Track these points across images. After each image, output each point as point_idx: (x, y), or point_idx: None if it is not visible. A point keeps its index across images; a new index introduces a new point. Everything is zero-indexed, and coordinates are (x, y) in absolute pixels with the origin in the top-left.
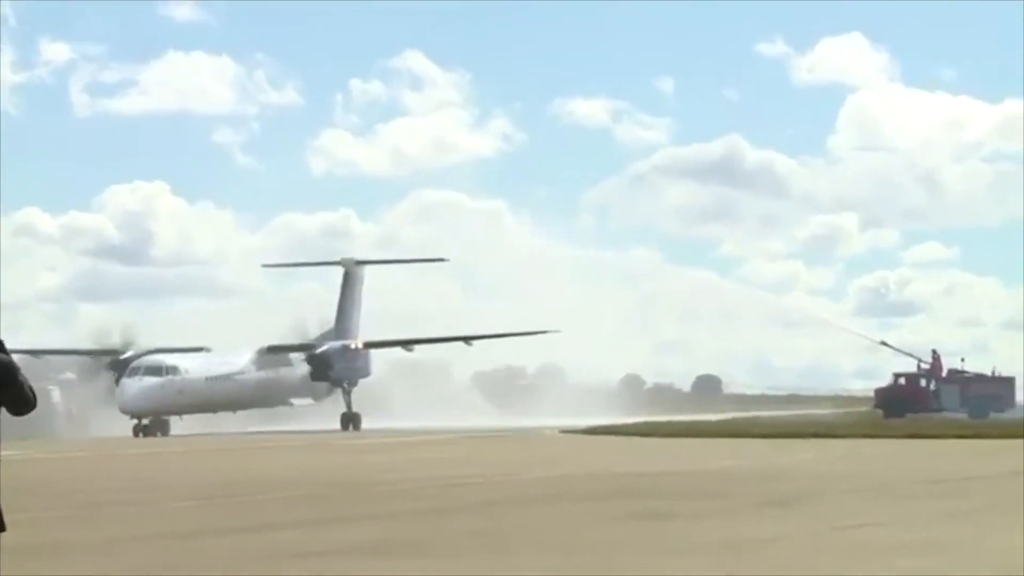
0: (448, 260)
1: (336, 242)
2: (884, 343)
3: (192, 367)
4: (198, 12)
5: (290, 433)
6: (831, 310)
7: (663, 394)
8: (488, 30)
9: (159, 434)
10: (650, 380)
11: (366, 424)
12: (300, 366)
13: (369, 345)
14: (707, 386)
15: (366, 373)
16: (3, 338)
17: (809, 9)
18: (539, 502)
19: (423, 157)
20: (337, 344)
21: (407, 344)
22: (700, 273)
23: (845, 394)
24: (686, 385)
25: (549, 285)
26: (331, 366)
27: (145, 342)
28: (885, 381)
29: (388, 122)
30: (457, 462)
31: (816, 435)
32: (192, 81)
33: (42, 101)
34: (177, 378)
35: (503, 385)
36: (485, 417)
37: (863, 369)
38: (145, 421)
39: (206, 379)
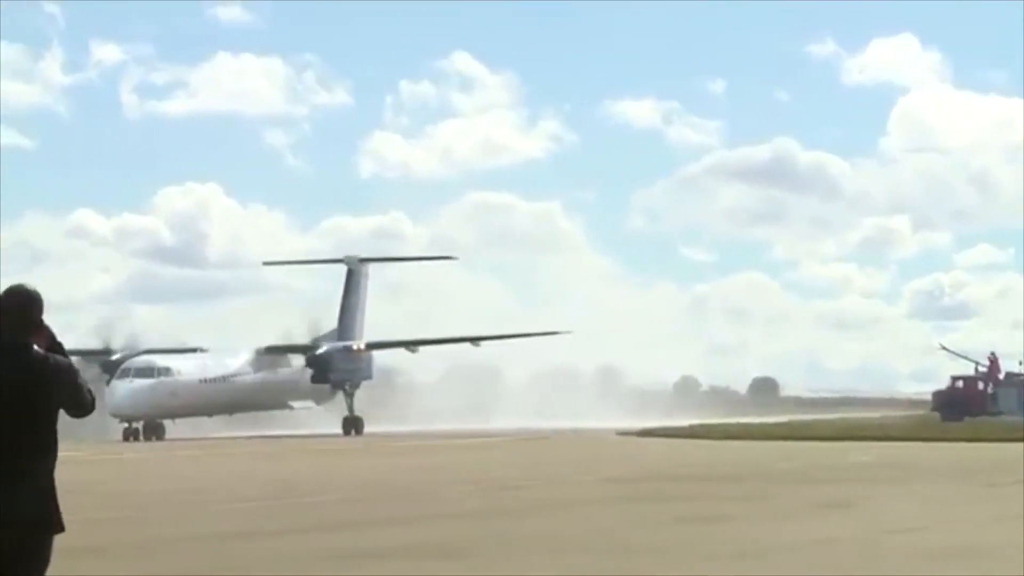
0: (457, 259)
1: (387, 244)
2: (943, 347)
3: (186, 368)
4: (245, 13)
5: (294, 437)
6: (885, 313)
7: (719, 396)
8: (536, 31)
9: (154, 438)
10: (706, 382)
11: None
12: (300, 368)
13: (371, 346)
14: (764, 388)
15: (368, 375)
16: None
17: (860, 9)
18: (593, 504)
19: (473, 159)
20: (338, 345)
21: (411, 345)
22: (752, 275)
23: (901, 397)
24: (742, 387)
25: (602, 287)
26: (331, 368)
27: (192, 341)
28: (940, 384)
29: (438, 124)
30: (510, 464)
31: (874, 438)
32: (241, 82)
33: (92, 103)
34: (169, 380)
35: (558, 387)
36: (539, 419)
37: (918, 372)
38: (136, 425)
39: (201, 381)
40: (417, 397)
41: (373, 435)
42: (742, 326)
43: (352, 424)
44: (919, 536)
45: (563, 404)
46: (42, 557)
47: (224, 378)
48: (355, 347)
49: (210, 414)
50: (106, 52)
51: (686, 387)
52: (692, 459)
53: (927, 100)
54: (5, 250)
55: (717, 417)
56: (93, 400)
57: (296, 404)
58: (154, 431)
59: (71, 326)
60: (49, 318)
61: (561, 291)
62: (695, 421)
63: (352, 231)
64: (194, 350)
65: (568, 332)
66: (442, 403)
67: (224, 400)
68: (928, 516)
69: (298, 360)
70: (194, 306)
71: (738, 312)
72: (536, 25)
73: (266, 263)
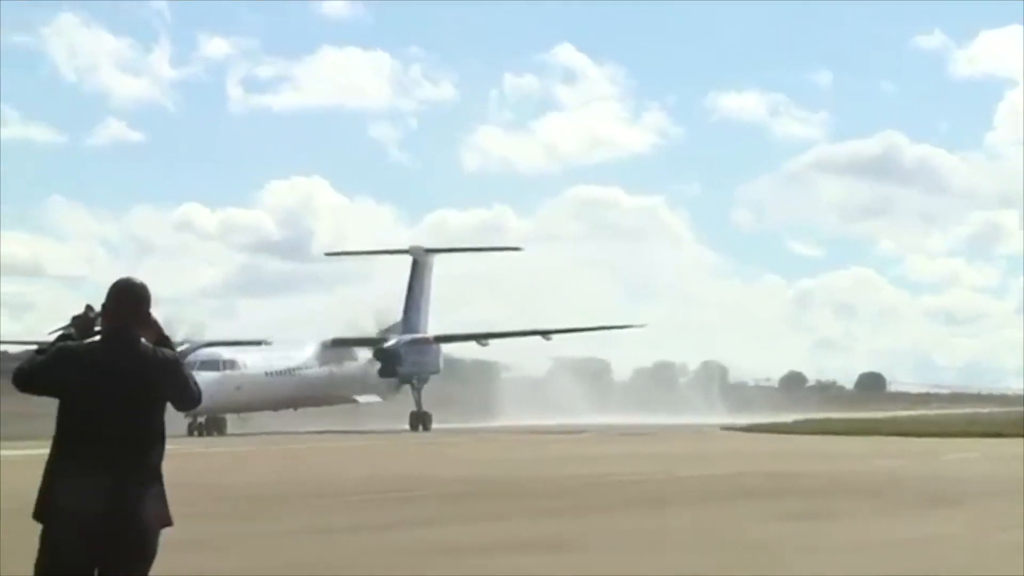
0: (522, 249)
1: (492, 237)
2: None
3: (251, 361)
4: (350, 8)
5: (361, 433)
6: (994, 308)
7: (826, 392)
8: (640, 23)
9: (215, 433)
10: (812, 378)
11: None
12: (365, 361)
13: (440, 339)
14: (871, 384)
15: (436, 368)
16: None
17: (969, 1)
18: (700, 500)
19: (577, 152)
20: (406, 338)
21: (481, 338)
22: (859, 270)
23: (1010, 393)
24: (849, 383)
25: (706, 281)
26: (400, 361)
27: (266, 334)
28: None
29: (541, 117)
30: (617, 459)
31: (983, 434)
32: (346, 76)
33: (199, 97)
34: (235, 373)
35: (664, 382)
36: (645, 414)
37: None
38: (201, 419)
39: (266, 374)
40: (520, 393)
41: (443, 430)
42: (848, 321)
43: (419, 419)
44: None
45: (666, 399)
46: (150, 551)
47: (289, 371)
48: (424, 339)
49: (275, 408)
50: (213, 46)
51: (792, 382)
52: (799, 455)
53: None
54: (115, 243)
55: (823, 412)
56: (200, 393)
57: (361, 398)
58: (216, 426)
59: (180, 320)
60: (156, 311)
61: (665, 285)
62: (800, 417)
63: (456, 224)
64: (258, 342)
65: (643, 326)
66: (546, 398)
67: (289, 394)
68: None
69: (364, 353)
70: (299, 300)
71: (844, 307)
72: (640, 17)
73: (328, 254)
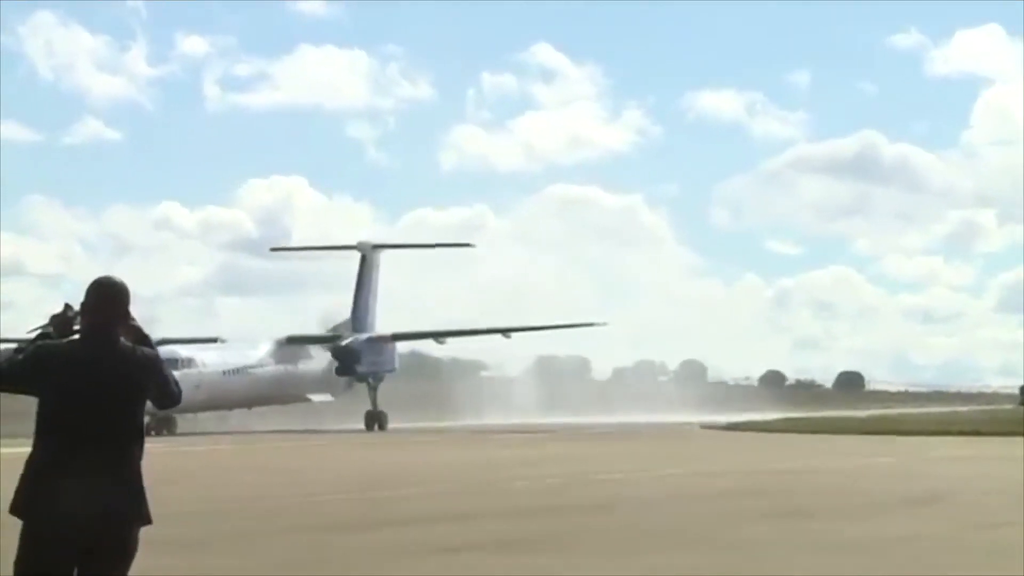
0: (475, 246)
1: (471, 236)
2: None
3: (208, 360)
4: (327, 7)
5: (318, 433)
6: (972, 307)
7: (805, 391)
8: (618, 22)
9: (165, 432)
10: (791, 376)
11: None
12: (320, 359)
13: (397, 337)
14: (850, 383)
15: (392, 367)
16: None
17: (945, 0)
18: (679, 499)
19: (555, 151)
20: (363, 336)
21: (438, 336)
22: (837, 269)
23: (988, 391)
24: (828, 382)
25: (685, 280)
26: (359, 359)
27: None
28: None
29: (519, 116)
30: (596, 458)
31: (961, 433)
32: (324, 75)
33: (176, 95)
34: (193, 371)
35: (644, 381)
36: (623, 413)
37: (1005, 366)
38: (147, 418)
39: (223, 372)
40: (499, 391)
41: (398, 431)
42: (827, 320)
43: (375, 419)
44: (1011, 532)
45: (645, 398)
46: (128, 549)
47: (246, 369)
48: (381, 337)
49: (232, 407)
50: (190, 44)
51: (771, 381)
52: (778, 453)
53: (1012, 92)
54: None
55: (802, 411)
56: (180, 392)
57: (315, 397)
58: (166, 425)
59: (159, 318)
60: (136, 310)
61: (644, 284)
62: (780, 415)
63: (435, 223)
64: (212, 340)
65: (604, 324)
66: (523, 397)
67: (245, 393)
68: (1018, 512)
69: (317, 351)
70: (279, 299)
71: (823, 306)
72: (618, 16)
73: (273, 249)
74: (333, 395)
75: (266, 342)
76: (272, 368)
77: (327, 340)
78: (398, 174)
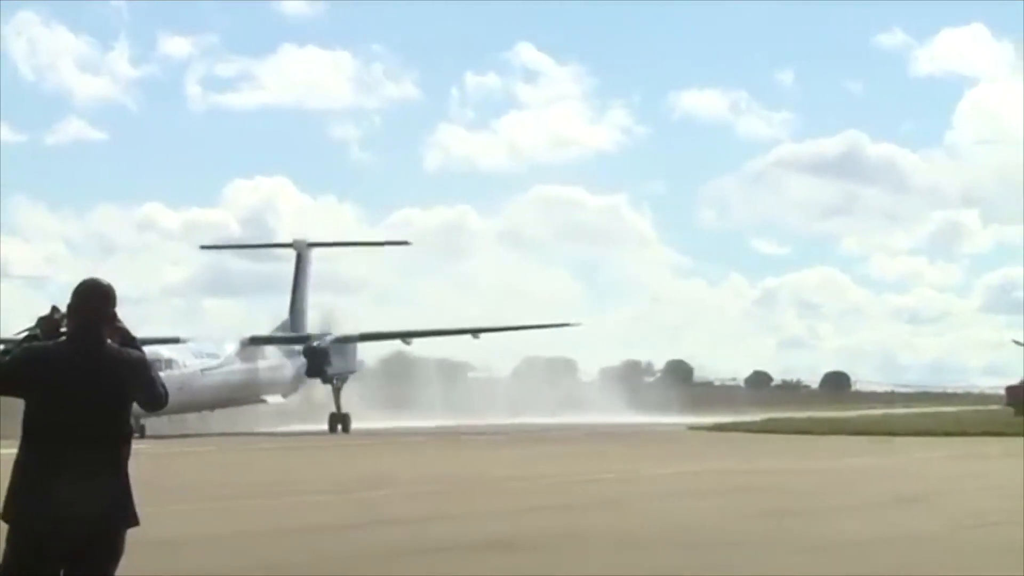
0: (411, 244)
1: (456, 237)
2: (1016, 341)
3: (186, 360)
4: (311, 6)
5: (286, 435)
6: (957, 307)
7: (792, 391)
8: (602, 22)
9: (137, 435)
10: (777, 377)
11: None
12: (275, 359)
13: (365, 337)
14: (836, 383)
15: (355, 368)
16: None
17: (930, 0)
18: (667, 498)
19: (540, 151)
20: (330, 336)
21: (405, 337)
22: (823, 269)
23: (975, 391)
24: (814, 382)
25: (671, 281)
26: (328, 361)
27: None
28: (1013, 379)
29: (503, 116)
30: (583, 460)
31: (947, 433)
32: (308, 75)
33: (159, 95)
34: (175, 372)
35: (629, 381)
36: (611, 413)
37: (991, 366)
38: None
39: (202, 372)
40: (487, 392)
41: (359, 432)
42: (813, 320)
43: (339, 420)
44: (998, 531)
45: (632, 399)
46: (115, 551)
47: (216, 370)
48: (346, 338)
49: (199, 410)
50: (173, 45)
51: (757, 381)
52: (764, 453)
53: (997, 92)
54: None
55: (788, 411)
56: (167, 393)
57: (269, 398)
58: (136, 428)
59: (145, 319)
60: (122, 311)
61: (630, 285)
62: (766, 416)
63: (420, 224)
64: (174, 340)
65: (577, 324)
66: (507, 399)
67: (218, 394)
68: (1004, 511)
69: (272, 351)
70: (263, 300)
71: (809, 306)
72: (602, 16)
73: (203, 247)
74: (284, 396)
75: (231, 342)
76: (239, 368)
77: (291, 341)
78: (382, 174)
